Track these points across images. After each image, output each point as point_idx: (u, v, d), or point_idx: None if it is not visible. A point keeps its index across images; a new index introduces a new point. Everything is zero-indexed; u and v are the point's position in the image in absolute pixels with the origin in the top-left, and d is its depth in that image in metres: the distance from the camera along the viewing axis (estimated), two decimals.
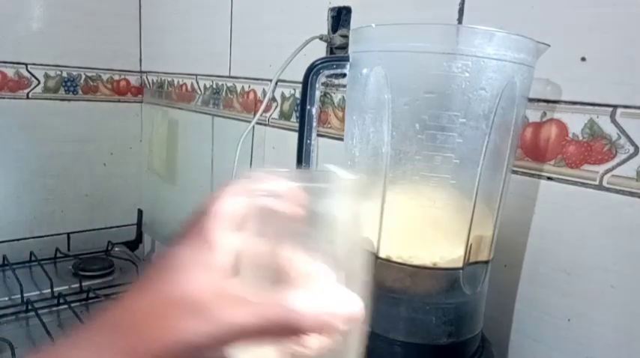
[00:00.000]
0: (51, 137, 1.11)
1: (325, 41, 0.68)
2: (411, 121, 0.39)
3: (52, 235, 1.14)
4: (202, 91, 0.98)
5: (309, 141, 0.47)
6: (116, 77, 1.18)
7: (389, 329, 0.41)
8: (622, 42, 0.42)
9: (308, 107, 0.46)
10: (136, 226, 1.25)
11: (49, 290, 0.90)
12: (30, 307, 0.84)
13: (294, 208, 0.26)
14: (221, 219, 0.25)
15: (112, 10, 1.13)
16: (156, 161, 1.18)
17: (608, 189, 0.43)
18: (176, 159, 1.10)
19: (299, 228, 0.26)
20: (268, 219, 0.25)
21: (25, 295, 0.87)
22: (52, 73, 1.08)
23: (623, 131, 0.42)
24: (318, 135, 0.68)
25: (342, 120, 0.68)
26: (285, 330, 0.23)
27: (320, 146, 0.71)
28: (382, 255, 0.41)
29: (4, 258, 1.02)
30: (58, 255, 1.08)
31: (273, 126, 0.81)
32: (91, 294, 0.91)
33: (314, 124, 0.47)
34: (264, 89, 0.81)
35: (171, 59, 1.09)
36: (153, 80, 1.17)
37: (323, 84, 0.66)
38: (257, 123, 0.80)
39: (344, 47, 0.66)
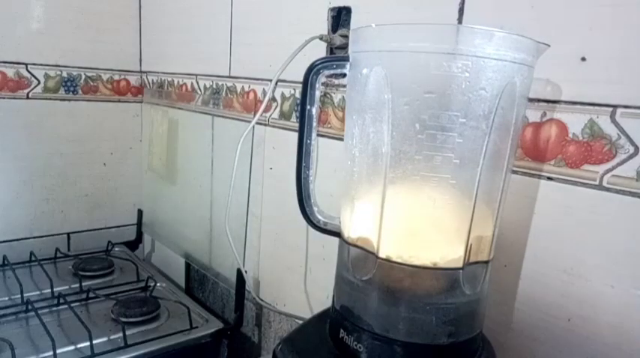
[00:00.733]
0: (51, 137, 1.11)
1: (325, 41, 0.68)
2: (411, 121, 0.39)
3: (52, 235, 1.14)
4: (202, 91, 0.98)
5: (309, 141, 0.47)
6: (116, 77, 1.18)
7: (389, 329, 0.41)
8: (622, 42, 0.42)
9: (308, 107, 0.46)
10: (136, 226, 1.25)
11: (49, 290, 0.90)
12: (30, 307, 0.84)
13: None
14: None
15: (112, 10, 1.13)
16: (156, 161, 1.18)
17: (608, 189, 0.43)
18: (176, 159, 1.10)
19: None
20: None
21: (25, 295, 0.87)
22: (52, 73, 1.08)
23: (623, 131, 0.42)
24: (318, 135, 0.68)
25: (342, 120, 0.68)
26: None
27: (320, 146, 0.71)
28: (382, 255, 0.41)
29: (4, 258, 1.02)
30: (58, 255, 1.08)
31: (273, 126, 0.81)
32: (91, 294, 0.91)
33: (314, 124, 0.47)
34: (264, 89, 0.81)
35: (172, 59, 1.09)
36: (153, 80, 1.17)
37: (323, 84, 0.66)
38: (257, 123, 0.80)
39: (344, 47, 0.66)
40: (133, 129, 1.22)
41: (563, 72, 0.45)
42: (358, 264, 0.43)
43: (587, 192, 0.45)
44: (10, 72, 1.03)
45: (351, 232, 0.44)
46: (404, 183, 0.40)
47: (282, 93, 0.78)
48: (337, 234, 0.47)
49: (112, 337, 0.79)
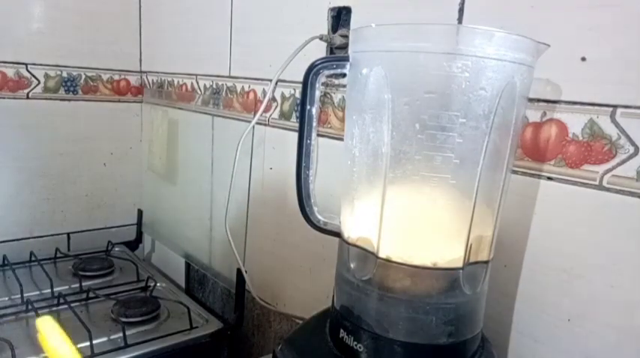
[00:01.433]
0: (51, 137, 1.11)
1: (325, 41, 0.68)
2: (411, 121, 0.39)
3: (52, 235, 1.14)
4: (202, 91, 0.98)
5: (309, 141, 0.47)
6: (116, 77, 1.18)
7: (389, 329, 0.41)
8: (622, 42, 0.42)
9: (308, 107, 0.46)
10: (136, 226, 1.25)
11: (49, 290, 0.90)
12: (30, 307, 0.84)
13: None
14: None
15: (112, 10, 1.14)
16: (156, 161, 1.18)
17: (608, 189, 0.43)
18: (176, 159, 1.10)
19: None
20: None
21: (25, 295, 0.87)
22: (52, 73, 1.08)
23: (623, 131, 0.42)
24: (318, 135, 0.68)
25: (342, 120, 0.68)
26: None
27: (320, 146, 0.71)
28: (382, 255, 0.41)
29: (4, 258, 1.02)
30: (58, 255, 1.08)
31: (273, 126, 0.81)
32: (91, 294, 0.91)
33: (314, 124, 0.47)
34: (264, 89, 0.81)
35: (172, 59, 1.09)
36: (153, 80, 1.17)
37: (323, 84, 0.66)
38: (257, 123, 0.80)
39: (344, 47, 0.66)
40: (133, 129, 1.22)
41: (563, 72, 0.45)
42: (358, 264, 0.43)
43: (587, 192, 0.45)
44: (10, 72, 1.03)
45: (351, 232, 0.44)
46: (404, 183, 0.40)
47: (282, 93, 0.78)
48: (337, 234, 0.47)
49: (112, 337, 0.79)
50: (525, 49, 0.39)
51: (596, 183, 0.44)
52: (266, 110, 0.81)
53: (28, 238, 1.11)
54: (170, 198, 1.14)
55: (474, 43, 0.37)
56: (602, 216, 0.44)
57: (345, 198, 0.46)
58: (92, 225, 1.20)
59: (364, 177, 0.43)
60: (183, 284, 1.11)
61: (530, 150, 0.48)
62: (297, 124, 0.48)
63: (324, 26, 0.69)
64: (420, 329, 0.41)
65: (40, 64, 1.07)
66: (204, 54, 0.97)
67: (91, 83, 1.14)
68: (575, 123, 0.45)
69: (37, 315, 0.81)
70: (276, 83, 0.77)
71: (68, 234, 1.16)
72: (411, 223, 0.42)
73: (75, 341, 0.76)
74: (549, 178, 0.47)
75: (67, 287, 0.95)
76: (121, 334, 0.77)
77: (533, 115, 0.48)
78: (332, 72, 0.45)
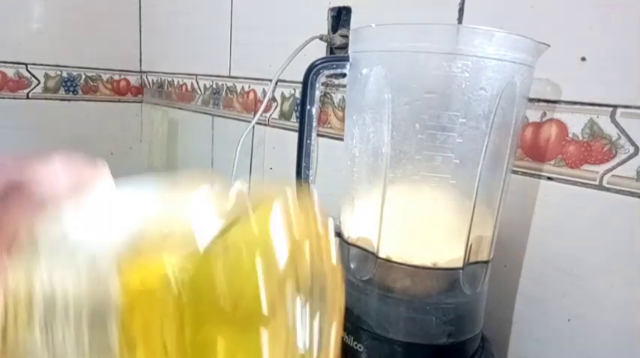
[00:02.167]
0: (51, 137, 1.11)
1: (325, 41, 0.68)
2: (411, 121, 0.39)
3: None
4: (202, 91, 0.98)
5: (309, 141, 0.47)
6: (116, 77, 1.18)
7: (389, 329, 0.41)
8: (622, 42, 0.42)
9: (308, 107, 0.46)
10: None
11: None
12: None
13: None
14: None
15: (112, 10, 1.13)
16: (156, 161, 1.18)
17: (608, 189, 0.43)
18: (176, 159, 1.10)
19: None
20: None
21: None
22: (52, 73, 1.08)
23: (623, 131, 0.42)
24: (318, 135, 0.68)
25: (342, 120, 0.68)
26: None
27: (320, 146, 0.71)
28: (382, 255, 0.41)
29: None
30: None
31: (273, 126, 0.81)
32: None
33: (314, 124, 0.47)
34: (264, 89, 0.81)
35: (171, 59, 1.09)
36: (153, 80, 1.17)
37: (323, 84, 0.66)
38: (257, 123, 0.80)
39: (344, 47, 0.66)
40: (133, 130, 1.22)
41: (563, 72, 0.45)
42: (358, 264, 0.43)
43: (587, 192, 0.45)
44: (10, 72, 1.03)
45: (351, 232, 0.44)
46: (404, 183, 0.40)
47: (282, 93, 0.78)
48: (337, 234, 0.47)
49: None
50: (525, 49, 0.39)
51: (596, 183, 0.44)
52: (266, 110, 0.81)
53: None
54: None
55: (474, 43, 0.37)
56: (602, 216, 0.44)
57: (345, 198, 0.46)
58: None
59: (364, 177, 0.43)
60: None
61: (530, 150, 0.48)
62: (297, 124, 0.48)
63: (324, 26, 0.68)
64: (420, 329, 0.41)
65: (40, 64, 1.07)
66: (204, 54, 0.97)
67: (91, 83, 1.14)
68: (575, 123, 0.45)
69: None
70: (276, 83, 0.77)
71: None
72: (411, 223, 0.42)
73: None
74: (549, 178, 0.47)
75: None
76: None
77: (533, 115, 0.48)
78: (332, 72, 0.45)
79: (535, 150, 0.48)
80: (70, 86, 1.11)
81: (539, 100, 0.47)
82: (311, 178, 0.48)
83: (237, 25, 0.87)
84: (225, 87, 0.91)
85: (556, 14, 0.45)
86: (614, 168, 0.43)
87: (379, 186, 0.41)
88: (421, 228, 0.42)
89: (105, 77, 1.16)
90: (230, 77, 0.90)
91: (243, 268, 0.20)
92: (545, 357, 0.49)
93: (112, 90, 1.17)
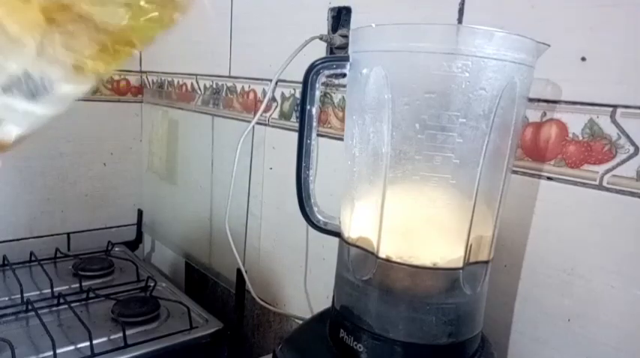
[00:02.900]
0: (51, 137, 1.11)
1: (325, 41, 0.68)
2: (411, 121, 0.39)
3: (52, 235, 1.14)
4: (202, 91, 0.98)
5: (309, 141, 0.47)
6: (116, 77, 1.18)
7: (389, 329, 0.41)
8: (622, 42, 0.42)
9: (308, 107, 0.46)
10: (136, 226, 1.25)
11: (49, 290, 0.90)
12: (30, 307, 0.84)
13: None
14: None
15: None
16: (156, 161, 1.18)
17: (608, 189, 0.43)
18: (176, 159, 1.10)
19: None
20: None
21: (25, 295, 0.87)
22: None
23: (623, 131, 0.42)
24: (318, 135, 0.68)
25: (342, 120, 0.68)
26: None
27: (320, 146, 0.71)
28: (382, 255, 0.41)
29: (4, 257, 1.02)
30: (58, 254, 1.08)
31: (273, 126, 0.81)
32: (91, 294, 0.91)
33: (314, 124, 0.47)
34: (264, 89, 0.81)
35: (171, 59, 1.09)
36: (153, 80, 1.17)
37: (323, 84, 0.66)
38: (257, 123, 0.80)
39: (344, 47, 0.66)
40: (133, 129, 1.22)
41: (563, 72, 0.45)
42: (358, 264, 0.43)
43: (587, 192, 0.45)
44: None
45: (351, 232, 0.44)
46: (404, 183, 0.40)
47: (282, 94, 0.78)
48: (337, 234, 0.47)
49: (112, 337, 0.79)
50: (525, 49, 0.39)
51: (596, 183, 0.44)
52: (266, 110, 0.81)
53: (28, 238, 1.11)
54: (170, 198, 1.14)
55: (474, 43, 0.37)
56: (602, 216, 0.44)
57: (345, 198, 0.46)
58: (92, 225, 1.20)
59: (364, 177, 0.43)
60: (183, 284, 1.11)
61: (530, 150, 0.48)
62: (297, 124, 0.48)
63: (324, 26, 0.69)
64: (420, 329, 0.41)
65: None
66: (204, 54, 0.97)
67: None
68: (575, 123, 0.45)
69: (37, 315, 0.81)
70: (276, 83, 0.77)
71: (68, 234, 1.16)
72: (411, 223, 0.42)
73: (75, 341, 0.76)
74: (549, 178, 0.47)
75: (67, 287, 0.95)
76: (120, 334, 0.77)
77: (533, 115, 0.48)
78: (332, 72, 0.45)
79: (535, 150, 0.48)
80: None
81: (539, 100, 0.47)
82: (311, 178, 0.48)
83: (237, 25, 0.87)
84: (225, 87, 0.91)
85: (556, 14, 0.45)
86: (614, 168, 0.43)
87: (379, 186, 0.41)
88: (421, 228, 0.42)
89: (105, 77, 1.16)
90: (230, 77, 0.90)
91: None
92: (545, 357, 0.49)
93: (112, 90, 1.17)
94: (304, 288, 0.78)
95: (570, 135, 0.45)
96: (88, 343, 0.74)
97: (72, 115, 1.12)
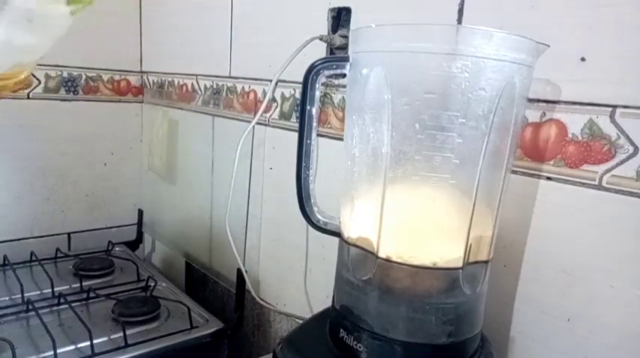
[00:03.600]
0: (51, 137, 1.11)
1: (325, 41, 0.68)
2: (411, 121, 0.39)
3: (52, 235, 1.14)
4: (202, 91, 0.98)
5: (309, 141, 0.47)
6: (116, 77, 1.18)
7: (389, 329, 0.41)
8: (622, 42, 0.42)
9: (308, 107, 0.46)
10: (136, 226, 1.25)
11: (50, 290, 0.90)
12: (30, 307, 0.84)
13: None
14: None
15: (112, 10, 1.14)
16: (156, 161, 1.18)
17: (607, 189, 0.43)
18: (176, 159, 1.10)
19: None
20: None
21: (25, 295, 0.87)
22: (52, 73, 1.09)
23: (622, 131, 0.42)
24: (318, 135, 0.68)
25: (342, 120, 0.68)
26: None
27: (320, 146, 0.71)
28: (382, 255, 0.41)
29: (5, 257, 1.02)
30: (59, 254, 1.08)
31: (274, 127, 0.81)
32: (92, 294, 0.91)
33: (314, 124, 0.47)
34: (264, 89, 0.81)
35: (172, 59, 1.09)
36: (153, 80, 1.17)
37: (323, 84, 0.66)
38: (257, 123, 0.80)
39: (344, 47, 0.66)
40: (133, 130, 1.23)
41: (563, 72, 0.45)
42: (358, 264, 0.43)
43: (586, 192, 0.45)
44: None
45: (350, 232, 0.44)
46: (404, 183, 0.40)
47: (282, 94, 0.78)
48: (337, 234, 0.47)
49: (112, 337, 0.79)
50: (525, 49, 0.39)
51: (596, 183, 0.44)
52: (266, 110, 0.81)
53: (29, 238, 1.11)
54: (170, 198, 1.14)
55: (474, 44, 0.37)
56: (601, 216, 0.44)
57: (345, 198, 0.46)
58: (92, 224, 1.20)
59: (364, 177, 0.43)
60: (183, 284, 1.11)
61: (530, 150, 0.48)
62: (297, 124, 0.48)
63: (324, 26, 0.69)
64: (420, 329, 0.41)
65: (41, 64, 1.07)
66: (204, 54, 0.97)
67: (92, 83, 1.14)
68: (575, 123, 0.45)
69: (38, 315, 0.81)
70: (276, 83, 0.77)
71: (69, 233, 1.16)
72: (410, 223, 0.42)
73: (75, 341, 0.76)
74: (549, 178, 0.47)
75: (67, 286, 0.95)
76: (121, 334, 0.77)
77: (533, 115, 0.48)
78: (332, 72, 0.45)
79: (534, 150, 0.48)
80: (71, 86, 1.11)
81: (538, 100, 0.47)
82: (311, 178, 0.48)
83: (237, 25, 0.87)
84: (225, 87, 0.91)
85: (556, 14, 0.46)
86: (613, 168, 0.43)
87: (379, 186, 0.41)
88: (421, 227, 0.42)
89: (105, 77, 1.16)
90: (230, 77, 0.90)
91: None
92: (545, 357, 0.49)
93: (112, 91, 1.18)
94: (304, 288, 0.78)
95: (570, 135, 0.45)
96: (88, 343, 0.74)
97: (72, 115, 1.13)
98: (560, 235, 0.47)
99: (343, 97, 0.68)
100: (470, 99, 0.38)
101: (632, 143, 0.42)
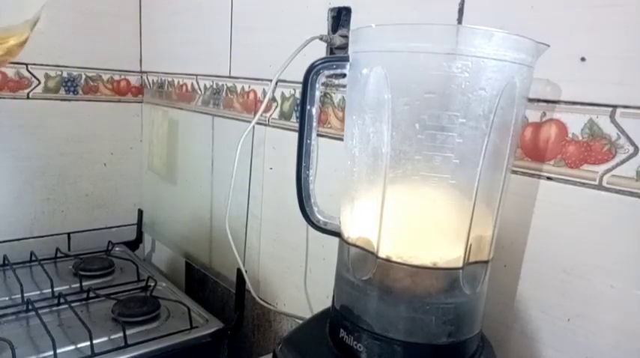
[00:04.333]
0: (51, 137, 1.11)
1: (325, 41, 0.68)
2: (411, 121, 0.39)
3: (52, 235, 1.14)
4: (202, 91, 0.98)
5: (309, 141, 0.47)
6: (116, 77, 1.18)
7: (389, 329, 0.41)
8: (622, 42, 0.42)
9: (308, 107, 0.46)
10: (136, 226, 1.25)
11: (50, 290, 0.90)
12: (30, 307, 0.84)
13: None
14: None
15: (112, 10, 1.14)
16: (156, 161, 1.18)
17: (607, 189, 0.43)
18: (176, 159, 1.10)
19: None
20: None
21: (25, 295, 0.87)
22: (52, 73, 1.09)
23: (622, 131, 0.42)
24: (318, 135, 0.68)
25: (342, 120, 0.68)
26: None
27: (320, 146, 0.71)
28: (382, 255, 0.41)
29: (5, 257, 1.02)
30: (59, 254, 1.08)
31: (273, 127, 0.81)
32: (92, 294, 0.91)
33: (314, 124, 0.47)
34: (264, 89, 0.81)
35: (171, 59, 1.09)
36: (153, 80, 1.17)
37: (323, 84, 0.66)
38: (257, 123, 0.80)
39: (344, 47, 0.66)
40: (133, 129, 1.23)
41: (563, 72, 0.45)
42: (358, 264, 0.43)
43: (586, 192, 0.45)
44: (10, 72, 1.03)
45: (350, 232, 0.44)
46: (404, 183, 0.40)
47: (282, 94, 0.78)
48: (337, 234, 0.47)
49: (112, 337, 0.79)
50: (525, 49, 0.39)
51: (596, 183, 0.44)
52: (266, 110, 0.81)
53: (29, 238, 1.11)
54: (170, 198, 1.14)
55: (474, 43, 0.37)
56: (601, 216, 0.44)
57: (345, 198, 0.46)
58: (92, 224, 1.20)
59: (364, 177, 0.43)
60: (183, 284, 1.11)
61: (530, 150, 0.48)
62: (297, 124, 0.48)
63: (324, 26, 0.69)
64: (420, 329, 0.41)
65: (41, 64, 1.07)
66: (204, 54, 0.97)
67: (92, 83, 1.14)
68: (575, 123, 0.45)
69: (38, 315, 0.81)
70: (276, 83, 0.77)
71: (68, 233, 1.16)
72: (410, 223, 0.42)
73: (75, 341, 0.76)
74: (549, 178, 0.47)
75: (67, 287, 0.95)
76: (121, 334, 0.77)
77: (533, 115, 0.48)
78: (332, 72, 0.45)
79: (535, 150, 0.48)
80: (71, 86, 1.11)
81: (538, 100, 0.47)
82: (311, 178, 0.48)
83: (237, 25, 0.87)
84: (225, 87, 0.91)
85: (556, 14, 0.46)
86: (613, 168, 0.43)
87: (379, 186, 0.41)
88: (421, 227, 0.42)
89: (105, 77, 1.16)
90: (230, 77, 0.90)
91: None
92: (545, 357, 0.49)
93: (112, 91, 1.18)
94: (304, 288, 0.78)
95: (570, 135, 0.45)
96: (88, 343, 0.74)
97: (72, 115, 1.13)
98: (560, 235, 0.47)
99: (343, 97, 0.68)
100: (470, 99, 0.38)
101: (632, 143, 0.42)
